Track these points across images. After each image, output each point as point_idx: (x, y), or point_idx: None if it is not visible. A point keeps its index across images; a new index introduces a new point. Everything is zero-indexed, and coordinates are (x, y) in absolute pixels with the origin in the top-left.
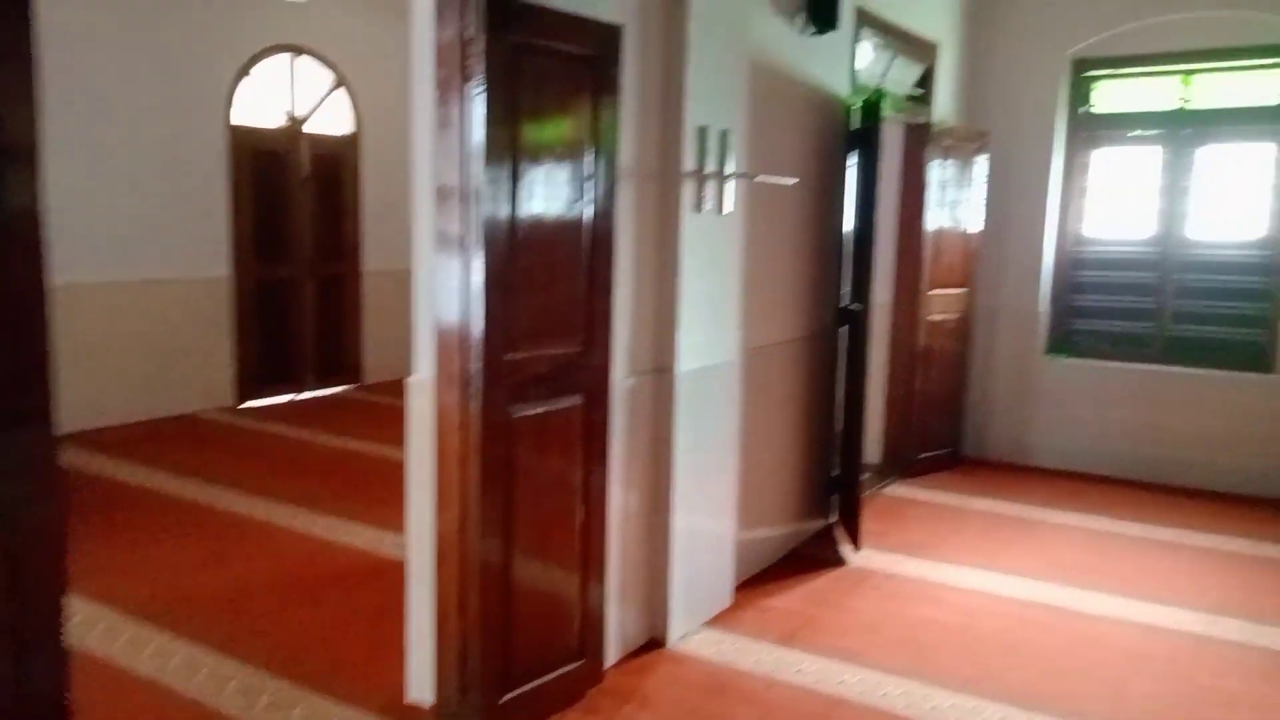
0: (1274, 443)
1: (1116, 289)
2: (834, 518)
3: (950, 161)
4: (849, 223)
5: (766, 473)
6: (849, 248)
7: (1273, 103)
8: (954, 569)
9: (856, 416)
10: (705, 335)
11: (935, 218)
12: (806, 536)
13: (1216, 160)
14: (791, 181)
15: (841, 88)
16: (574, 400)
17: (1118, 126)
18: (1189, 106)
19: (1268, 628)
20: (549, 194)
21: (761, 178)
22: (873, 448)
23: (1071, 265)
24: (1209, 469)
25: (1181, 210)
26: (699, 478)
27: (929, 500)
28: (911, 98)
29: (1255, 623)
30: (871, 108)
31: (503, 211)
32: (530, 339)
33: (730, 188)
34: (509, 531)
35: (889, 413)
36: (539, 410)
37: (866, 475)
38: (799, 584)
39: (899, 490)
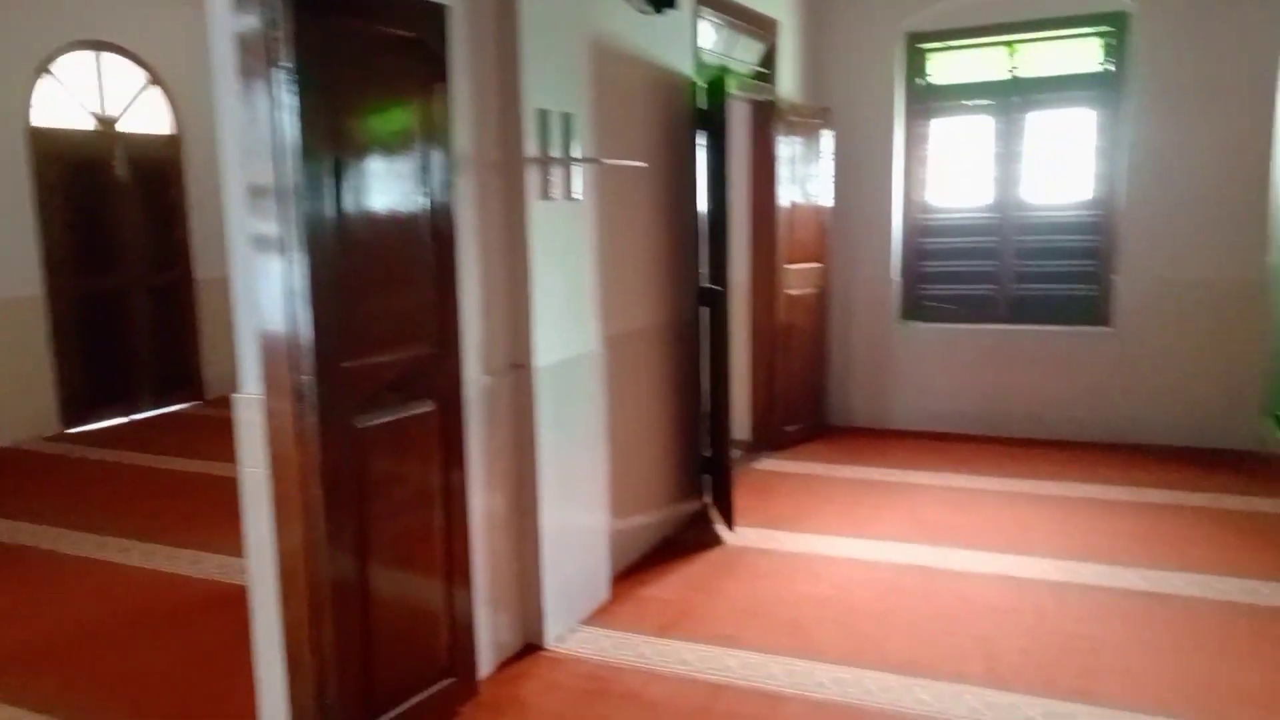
0: (1112, 391)
1: (962, 254)
2: (708, 498)
3: (797, 138)
4: (703, 203)
5: (638, 460)
6: (705, 228)
7: (1091, 70)
8: (826, 539)
9: (722, 396)
10: (562, 328)
11: (787, 194)
12: (682, 520)
13: (1045, 126)
14: (641, 164)
15: (686, 67)
16: (427, 405)
17: (953, 97)
18: (1017, 75)
19: (1121, 569)
20: (381, 188)
21: (609, 161)
22: (741, 425)
23: (919, 233)
24: (1057, 421)
25: (1016, 175)
26: (567, 473)
27: (798, 471)
28: (756, 75)
29: (1109, 565)
30: (716, 86)
31: (327, 209)
32: (373, 344)
33: (578, 173)
34: (363, 548)
35: (754, 389)
36: (389, 418)
37: (737, 453)
38: (676, 570)
39: (769, 464)
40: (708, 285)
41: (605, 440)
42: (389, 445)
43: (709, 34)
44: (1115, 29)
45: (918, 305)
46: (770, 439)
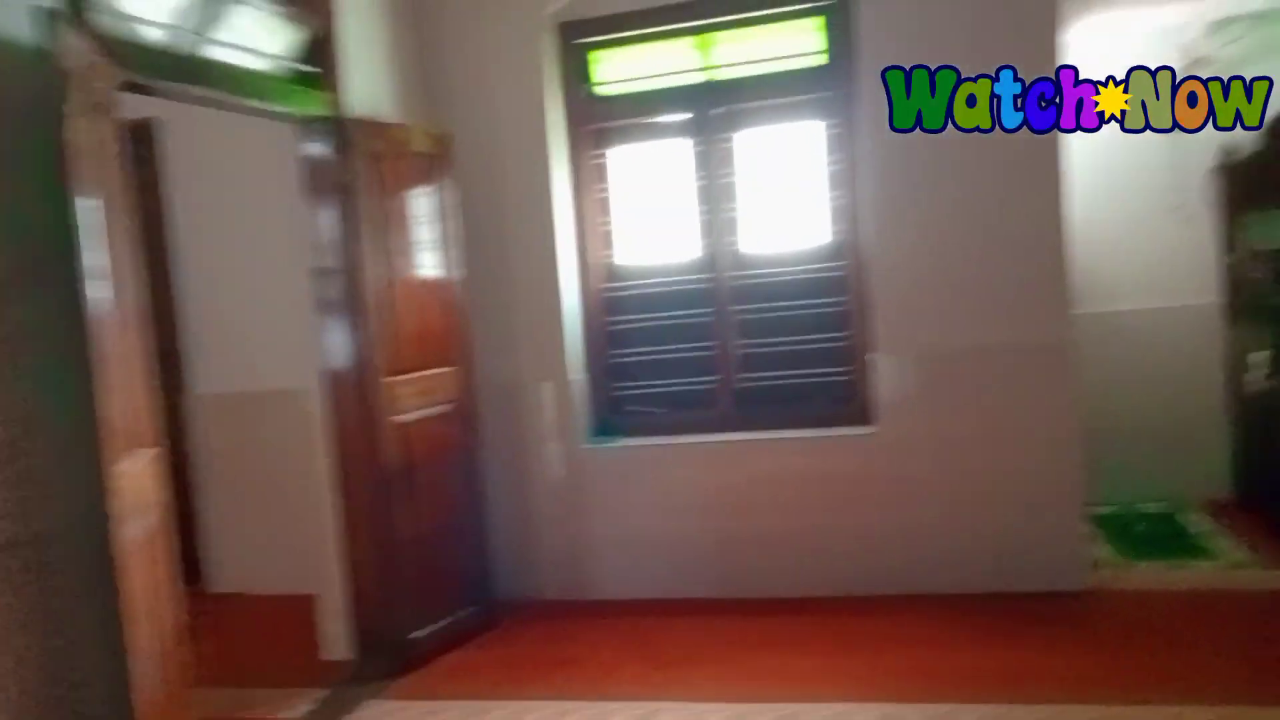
0: (881, 519)
1: (667, 335)
2: None
3: (395, 178)
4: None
5: None
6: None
7: (809, 64)
8: None
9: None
10: None
11: (381, 265)
12: None
13: (760, 148)
14: None
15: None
16: None
17: (633, 112)
18: (714, 77)
19: None
20: None
21: None
22: (337, 638)
23: (605, 310)
24: (815, 569)
25: (728, 219)
26: None
27: None
28: (298, 79)
29: None
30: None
31: None
32: None
33: None
34: None
35: (355, 577)
36: None
37: (323, 694)
38: None
39: (377, 711)
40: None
41: None
42: None
43: None
44: (835, 6)
45: (615, 413)
46: (392, 654)
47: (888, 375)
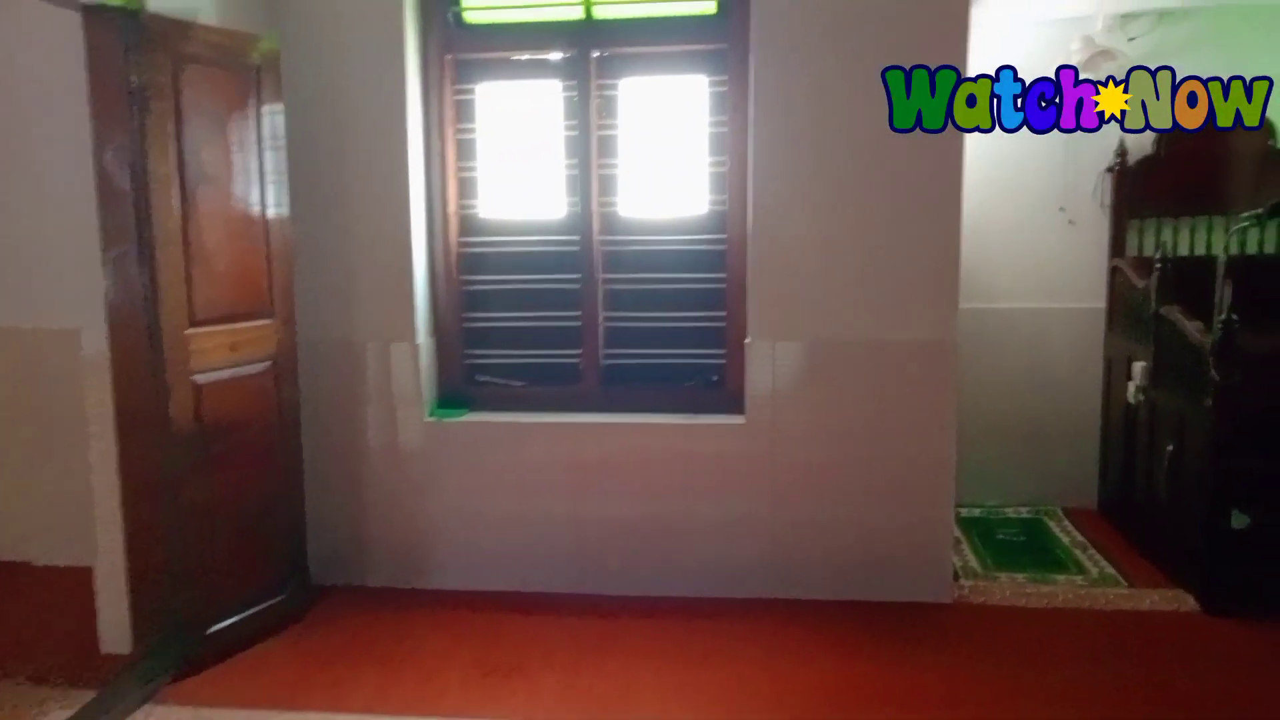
0: (747, 519)
1: (531, 301)
2: None
3: (205, 92)
4: None
5: None
6: None
7: (703, 9)
8: None
9: None
10: None
11: (180, 192)
12: None
13: (644, 100)
14: None
15: None
16: None
17: (505, 45)
18: (594, 15)
19: None
20: None
21: None
22: (118, 626)
23: (463, 268)
24: (676, 570)
25: (607, 176)
26: None
27: None
28: None
29: None
30: None
31: None
32: None
33: None
34: None
35: (139, 555)
36: None
37: (87, 696)
38: None
39: None
40: None
41: None
42: None
43: None
44: None
45: (465, 382)
46: (177, 648)
47: (761, 363)
